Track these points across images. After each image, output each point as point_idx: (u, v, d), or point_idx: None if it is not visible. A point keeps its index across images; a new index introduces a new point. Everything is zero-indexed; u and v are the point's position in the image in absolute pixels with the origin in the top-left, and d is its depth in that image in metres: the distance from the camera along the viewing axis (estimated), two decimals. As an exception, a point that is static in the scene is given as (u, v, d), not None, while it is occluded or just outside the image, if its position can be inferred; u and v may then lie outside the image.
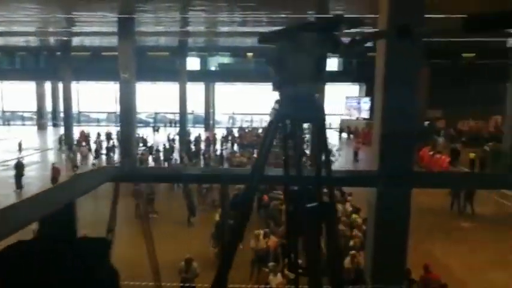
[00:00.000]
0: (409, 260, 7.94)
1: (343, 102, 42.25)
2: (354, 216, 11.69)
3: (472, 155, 23.17)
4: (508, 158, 20.68)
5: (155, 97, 45.68)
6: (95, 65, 40.53)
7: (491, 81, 35.36)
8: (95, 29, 26.81)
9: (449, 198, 16.66)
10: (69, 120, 33.58)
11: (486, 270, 11.02)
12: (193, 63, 42.43)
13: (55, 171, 18.86)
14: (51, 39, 33.77)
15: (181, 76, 34.61)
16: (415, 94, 7.58)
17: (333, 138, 36.65)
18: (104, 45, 34.02)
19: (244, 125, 42.92)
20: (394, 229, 7.95)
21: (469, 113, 37.86)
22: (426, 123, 36.62)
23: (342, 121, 40.63)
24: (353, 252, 9.16)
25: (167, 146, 25.85)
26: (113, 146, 27.13)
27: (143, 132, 33.54)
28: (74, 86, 42.86)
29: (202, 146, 28.14)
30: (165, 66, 40.04)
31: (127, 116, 20.77)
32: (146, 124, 44.95)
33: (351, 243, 10.00)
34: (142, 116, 48.13)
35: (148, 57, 41.91)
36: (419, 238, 12.00)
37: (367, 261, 8.66)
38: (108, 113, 46.74)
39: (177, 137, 31.27)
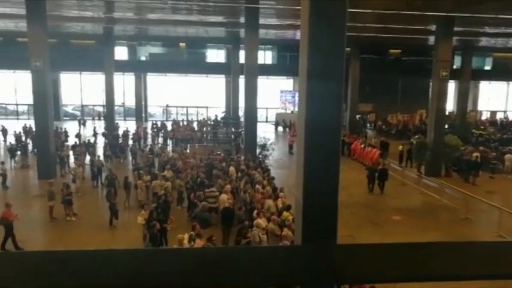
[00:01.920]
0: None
1: (278, 96, 42.27)
2: (285, 214, 11.23)
3: (400, 147, 24.00)
4: (430, 150, 21.61)
5: (83, 88, 42.64)
6: (8, 52, 36.75)
7: (416, 76, 37.21)
8: (2, 10, 23.96)
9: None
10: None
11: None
12: (121, 52, 40.08)
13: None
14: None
15: (108, 66, 32.35)
16: (340, 88, 7.19)
17: (269, 131, 36.52)
18: (20, 29, 30.77)
19: (180, 118, 41.42)
20: (322, 231, 7.60)
21: (397, 107, 39.60)
22: (357, 116, 37.70)
23: (278, 115, 40.62)
24: (282, 254, 8.65)
25: (91, 141, 23.93)
26: (25, 143, 24.44)
27: (68, 126, 30.95)
28: (-14, 75, 38.85)
29: (131, 141, 26.46)
30: (90, 55, 37.35)
31: (42, 109, 18.71)
32: (73, 117, 41.82)
33: (281, 243, 9.49)
34: (69, 109, 44.82)
35: (72, 45, 38.96)
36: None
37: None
38: (29, 105, 42.78)
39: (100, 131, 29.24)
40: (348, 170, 18.57)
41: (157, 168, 18.99)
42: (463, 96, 36.58)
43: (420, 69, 36.73)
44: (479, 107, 44.88)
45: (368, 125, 40.54)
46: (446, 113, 26.10)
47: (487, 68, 43.68)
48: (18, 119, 40.79)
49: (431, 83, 23.22)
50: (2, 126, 28.54)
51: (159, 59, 40.22)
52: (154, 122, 34.03)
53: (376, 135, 34.45)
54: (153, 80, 43.48)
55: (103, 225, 13.34)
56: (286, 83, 43.96)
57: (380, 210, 15.87)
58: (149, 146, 23.67)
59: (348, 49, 29.47)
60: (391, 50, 40.53)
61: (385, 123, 38.03)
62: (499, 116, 44.02)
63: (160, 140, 29.29)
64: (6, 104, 43.55)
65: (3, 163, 18.00)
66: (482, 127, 35.71)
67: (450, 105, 36.49)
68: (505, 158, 22.79)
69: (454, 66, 37.10)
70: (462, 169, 21.31)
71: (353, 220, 14.10)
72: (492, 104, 45.47)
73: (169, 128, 30.66)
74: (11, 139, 25.00)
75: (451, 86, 37.06)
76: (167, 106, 44.05)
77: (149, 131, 30.54)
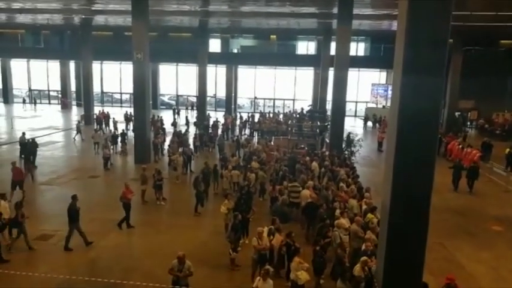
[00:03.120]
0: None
1: (369, 89, 40.54)
2: (369, 215, 10.64)
3: (507, 150, 21.33)
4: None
5: (179, 79, 45.27)
6: (116, 45, 40.33)
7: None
8: (112, 7, 26.18)
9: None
10: (89, 100, 33.44)
11: None
12: (215, 45, 41.54)
13: (16, 172, 14.86)
14: (75, 18, 33.49)
15: (202, 58, 33.69)
16: (440, 82, 6.52)
17: (357, 126, 35.23)
18: (127, 24, 33.53)
19: (267, 110, 41.92)
20: (410, 236, 7.01)
21: (504, 105, 35.45)
22: (457, 114, 34.60)
23: (367, 109, 38.98)
24: (364, 258, 8.20)
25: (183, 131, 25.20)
26: (126, 130, 26.56)
27: (164, 114, 33.07)
28: (97, 66, 43.05)
29: (220, 131, 27.39)
30: (186, 48, 39.31)
31: (140, 98, 20.11)
32: (169, 106, 44.60)
33: (363, 247, 9.01)
34: (165, 99, 47.90)
35: (170, 38, 41.38)
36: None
37: (379, 269, 7.76)
38: (130, 93, 46.61)
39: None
40: (443, 172, 17.07)
41: (242, 159, 19.34)
42: None
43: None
44: None
45: (468, 123, 37.05)
46: None
47: None
48: (121, 106, 44.67)
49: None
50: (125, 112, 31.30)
51: (250, 52, 40.96)
52: (237, 113, 34.79)
53: (478, 135, 31.31)
54: (244, 72, 44.48)
55: (189, 211, 13.95)
56: (379, 76, 41.99)
57: (477, 218, 14.33)
58: (236, 137, 24.21)
59: (450, 40, 27.03)
60: (502, 41, 36.27)
61: (488, 122, 34.39)
62: None
63: (247, 131, 29.89)
64: (112, 93, 47.99)
65: (106, 147, 19.79)
66: None
67: None
68: None
69: None
70: None
71: (444, 227, 12.92)
72: None
73: (256, 119, 31.14)
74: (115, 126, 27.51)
75: None
76: (255, 98, 44.80)
77: (237, 122, 31.34)
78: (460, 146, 22.69)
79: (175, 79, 45.42)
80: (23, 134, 21.08)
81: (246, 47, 42.00)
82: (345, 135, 22.15)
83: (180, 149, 19.93)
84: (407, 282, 7.08)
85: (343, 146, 21.43)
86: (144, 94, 20.18)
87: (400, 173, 6.87)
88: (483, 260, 10.96)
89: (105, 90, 47.45)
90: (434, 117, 6.71)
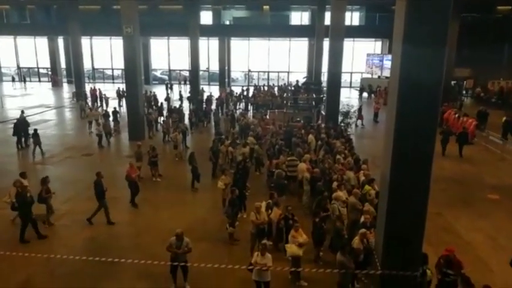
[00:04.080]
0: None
1: (364, 59, 40.04)
2: (366, 187, 10.59)
3: (504, 118, 21.22)
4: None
5: (171, 54, 44.44)
6: (104, 19, 39.27)
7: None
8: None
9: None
10: (79, 77, 32.81)
11: None
12: (206, 17, 40.60)
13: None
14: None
15: (193, 31, 32.92)
16: (441, 51, 6.30)
17: (353, 98, 34.97)
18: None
19: (261, 83, 41.44)
20: (410, 207, 6.95)
21: (500, 73, 35.17)
22: (453, 82, 34.32)
23: (363, 80, 38.61)
24: (363, 230, 8.18)
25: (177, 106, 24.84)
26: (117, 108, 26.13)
27: (156, 90, 32.56)
28: (87, 41, 42.05)
29: (214, 106, 27.06)
30: (177, 20, 38.38)
31: (132, 73, 19.65)
32: (161, 81, 43.95)
33: (362, 219, 8.98)
34: (157, 73, 47.13)
35: (161, 10, 40.32)
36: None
37: (378, 242, 7.73)
38: (122, 69, 45.84)
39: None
40: (439, 141, 17.05)
41: (238, 133, 19.14)
42: None
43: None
44: None
45: (464, 92, 36.85)
46: None
47: None
48: (113, 83, 43.97)
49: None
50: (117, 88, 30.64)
51: (242, 23, 40.11)
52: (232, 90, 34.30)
53: (474, 104, 31.23)
54: (237, 44, 43.67)
55: (186, 186, 13.88)
56: (374, 46, 41.41)
57: (474, 187, 14.38)
58: (230, 112, 23.90)
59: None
60: (499, 7, 35.62)
61: (484, 90, 34.19)
62: None
63: (242, 105, 29.57)
64: (103, 69, 47.13)
65: (99, 125, 19.47)
66: None
67: None
68: None
69: None
70: None
71: (442, 197, 12.95)
72: None
73: (250, 93, 30.76)
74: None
75: None
76: (249, 71, 44.21)
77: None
78: (457, 115, 22.63)
79: (167, 53, 44.59)
80: (22, 112, 20.52)
81: (239, 19, 41.12)
82: (341, 106, 21.94)
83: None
84: (407, 254, 7.05)
85: (339, 118, 21.27)
86: (136, 70, 19.72)
87: (400, 143, 6.73)
88: (480, 229, 11.03)
89: (96, 66, 46.56)
90: (437, 88, 6.53)
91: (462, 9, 31.83)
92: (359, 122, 24.08)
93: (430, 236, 8.71)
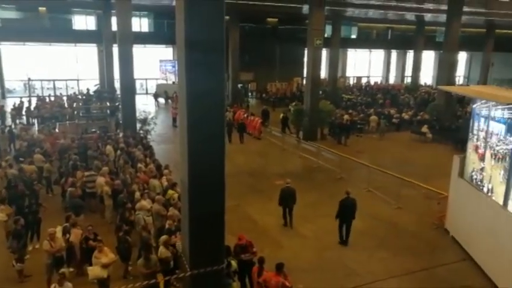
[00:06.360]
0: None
1: (157, 65, 40.36)
2: (170, 192, 10.72)
3: (282, 114, 24.73)
4: (307, 115, 22.80)
5: None
6: None
7: (293, 45, 38.75)
8: None
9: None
10: None
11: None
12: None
13: None
14: None
15: None
16: (220, 58, 6.87)
17: (150, 104, 34.79)
18: None
19: (46, 92, 36.84)
20: (209, 205, 7.36)
21: (275, 76, 40.95)
22: (239, 85, 38.06)
23: (158, 86, 38.81)
24: (164, 237, 8.24)
25: None
26: None
27: None
28: None
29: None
30: None
31: None
32: None
33: (167, 225, 9.04)
34: None
35: None
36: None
37: (184, 243, 7.90)
38: None
39: None
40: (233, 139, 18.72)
41: (19, 151, 16.60)
42: (333, 64, 38.81)
43: (296, 38, 38.20)
44: (347, 73, 49.02)
45: (250, 93, 41.28)
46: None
47: (353, 36, 47.72)
48: None
49: (306, 51, 24.28)
50: None
51: (14, 26, 34.78)
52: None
53: (258, 104, 35.30)
54: (9, 50, 37.64)
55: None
56: (166, 52, 42.09)
57: (263, 177, 16.35)
58: (8, 128, 20.50)
59: (227, 17, 29.10)
60: (269, 19, 41.22)
61: (265, 91, 39.10)
62: (364, 81, 48.77)
63: (23, 119, 25.74)
64: None
65: None
66: (350, 92, 39.14)
67: (323, 72, 38.96)
68: (370, 120, 25.44)
69: (326, 35, 39.45)
70: (335, 132, 23.10)
71: (238, 189, 14.23)
72: (358, 70, 50.09)
73: (33, 105, 27.04)
74: None
75: (323, 54, 39.48)
76: (29, 80, 38.78)
77: (8, 109, 26.58)
78: (245, 115, 25.19)
79: None
80: None
81: (9, 20, 35.55)
82: (137, 114, 21.55)
83: None
84: (212, 250, 7.44)
85: (138, 125, 20.87)
86: None
87: (193, 146, 7.03)
88: (270, 211, 12.55)
89: None
90: (220, 90, 7.05)
91: (240, 19, 35.58)
92: None
93: (232, 227, 9.43)
